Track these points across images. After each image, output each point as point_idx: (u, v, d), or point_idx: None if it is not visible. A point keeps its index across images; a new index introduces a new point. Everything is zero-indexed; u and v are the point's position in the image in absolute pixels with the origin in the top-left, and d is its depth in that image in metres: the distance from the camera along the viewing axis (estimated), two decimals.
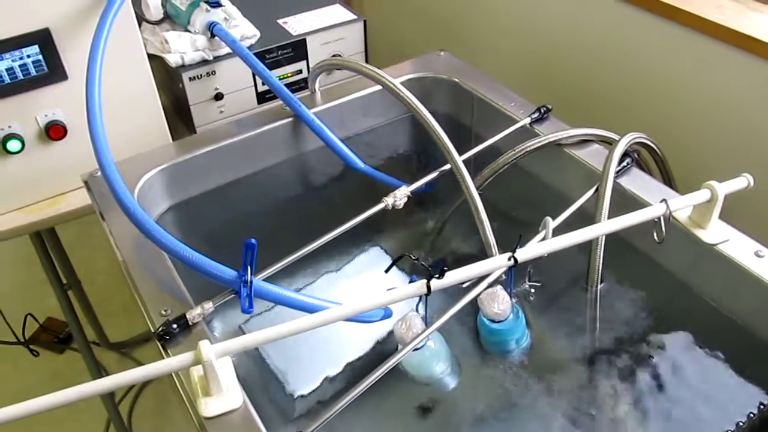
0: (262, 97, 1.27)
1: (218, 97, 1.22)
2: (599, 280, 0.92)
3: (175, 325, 0.76)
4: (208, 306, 0.78)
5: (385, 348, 0.97)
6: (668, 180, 1.09)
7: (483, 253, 1.00)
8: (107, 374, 1.63)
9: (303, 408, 0.93)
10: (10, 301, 1.88)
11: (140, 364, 1.74)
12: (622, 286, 0.93)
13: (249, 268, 0.76)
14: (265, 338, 0.68)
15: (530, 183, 1.07)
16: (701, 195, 0.85)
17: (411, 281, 0.75)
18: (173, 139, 1.21)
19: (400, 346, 0.83)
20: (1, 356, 1.77)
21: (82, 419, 1.65)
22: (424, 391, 0.89)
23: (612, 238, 0.89)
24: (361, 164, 1.12)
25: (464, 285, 0.93)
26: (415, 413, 0.90)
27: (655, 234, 0.84)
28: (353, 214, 1.20)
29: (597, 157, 1.00)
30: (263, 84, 1.25)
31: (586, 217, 0.92)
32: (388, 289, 0.74)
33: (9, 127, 1.05)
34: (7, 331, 1.71)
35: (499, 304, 0.80)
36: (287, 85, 1.17)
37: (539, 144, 1.01)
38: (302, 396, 0.95)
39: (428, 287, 0.72)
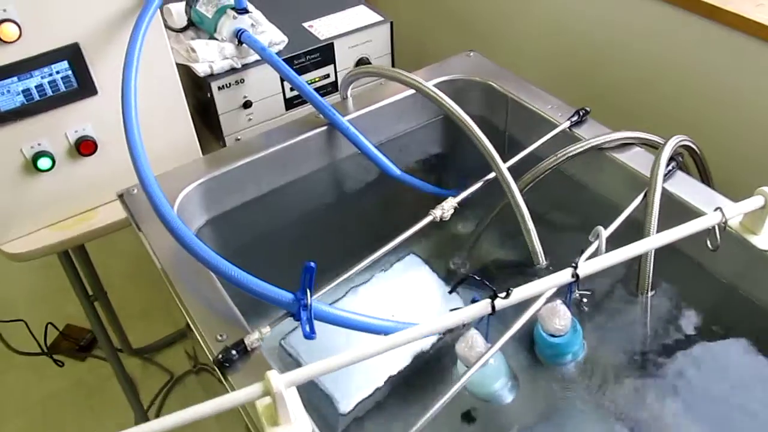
0: (290, 103, 1.25)
1: (247, 105, 1.20)
2: (650, 288, 0.91)
3: (234, 352, 0.75)
4: (266, 330, 0.77)
5: (420, 358, 0.96)
6: (707, 181, 1.08)
7: (524, 261, 1.00)
8: (134, 381, 1.64)
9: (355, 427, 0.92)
10: (28, 308, 1.86)
11: (164, 369, 1.74)
12: (672, 293, 0.93)
13: (308, 291, 0.75)
14: (336, 365, 0.67)
15: (570, 187, 1.06)
16: (755, 201, 0.84)
17: (473, 301, 0.74)
18: (202, 150, 1.19)
19: (459, 365, 0.82)
20: (24, 365, 1.76)
21: (109, 429, 1.65)
22: (468, 399, 0.88)
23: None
24: (397, 171, 1.11)
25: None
26: (459, 420, 0.89)
27: (708, 242, 0.83)
28: (390, 222, 1.20)
29: (639, 160, 0.99)
30: (291, 90, 1.23)
31: (631, 222, 0.91)
32: (451, 310, 0.73)
33: (39, 144, 1.03)
34: (28, 340, 1.70)
35: (560, 319, 0.79)
36: (315, 90, 1.15)
37: (582, 149, 0.99)
38: (350, 413, 0.94)
39: (493, 307, 0.72)
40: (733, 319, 0.90)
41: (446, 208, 0.92)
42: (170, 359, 1.81)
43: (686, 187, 0.94)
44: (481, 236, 1.10)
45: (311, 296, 0.75)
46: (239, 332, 0.78)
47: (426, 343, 0.97)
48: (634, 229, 0.91)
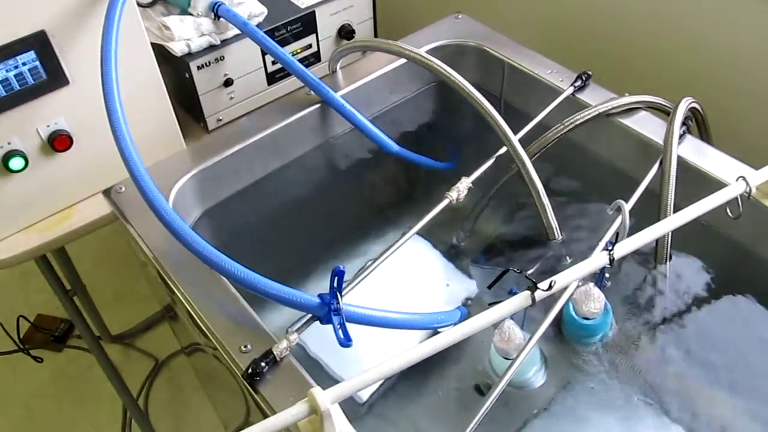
0: (272, 78, 1.18)
1: (228, 83, 1.12)
2: (669, 257, 0.90)
3: (263, 364, 0.71)
4: (294, 338, 0.73)
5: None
6: (708, 142, 1.07)
7: (536, 236, 0.97)
8: (117, 369, 1.58)
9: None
10: None
11: (146, 354, 1.69)
12: (691, 262, 0.92)
13: (338, 294, 0.71)
14: (384, 372, 0.64)
15: (577, 156, 1.04)
16: None
17: (511, 293, 0.72)
18: (183, 134, 1.11)
19: (494, 355, 0.80)
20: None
21: (98, 420, 1.60)
22: (481, 373, 0.87)
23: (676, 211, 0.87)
24: (395, 147, 1.06)
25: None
26: (473, 392, 0.88)
27: (728, 210, 0.82)
28: (391, 198, 1.16)
29: (647, 124, 0.97)
30: (273, 63, 1.16)
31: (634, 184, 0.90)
32: (490, 304, 0.71)
33: (9, 144, 0.95)
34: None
35: (594, 302, 0.78)
36: (300, 62, 1.08)
37: (590, 116, 0.97)
38: (367, 401, 0.91)
39: (533, 299, 0.69)
40: (753, 284, 0.90)
41: (461, 189, 0.89)
42: (152, 343, 1.76)
43: (699, 152, 0.92)
44: (484, 210, 1.07)
45: (342, 300, 0.71)
46: (263, 341, 0.74)
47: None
48: (646, 196, 0.89)
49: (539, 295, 0.69)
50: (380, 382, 0.91)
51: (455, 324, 0.86)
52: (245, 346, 0.74)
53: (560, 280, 0.70)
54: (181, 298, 0.80)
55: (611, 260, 0.72)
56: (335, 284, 0.71)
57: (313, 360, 0.90)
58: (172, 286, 0.81)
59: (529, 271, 0.94)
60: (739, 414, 0.82)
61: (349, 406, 0.91)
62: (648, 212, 0.89)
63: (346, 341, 0.69)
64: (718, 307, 0.90)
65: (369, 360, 0.92)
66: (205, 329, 0.77)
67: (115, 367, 1.63)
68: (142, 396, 1.65)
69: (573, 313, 0.80)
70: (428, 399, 0.89)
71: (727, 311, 0.90)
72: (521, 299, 0.69)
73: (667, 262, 0.90)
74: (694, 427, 0.80)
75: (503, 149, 0.94)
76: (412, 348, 0.66)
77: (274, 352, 0.72)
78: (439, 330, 0.85)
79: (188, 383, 1.68)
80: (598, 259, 0.73)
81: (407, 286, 0.98)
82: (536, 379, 0.81)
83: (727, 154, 0.92)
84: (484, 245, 1.02)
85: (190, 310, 0.78)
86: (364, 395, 0.92)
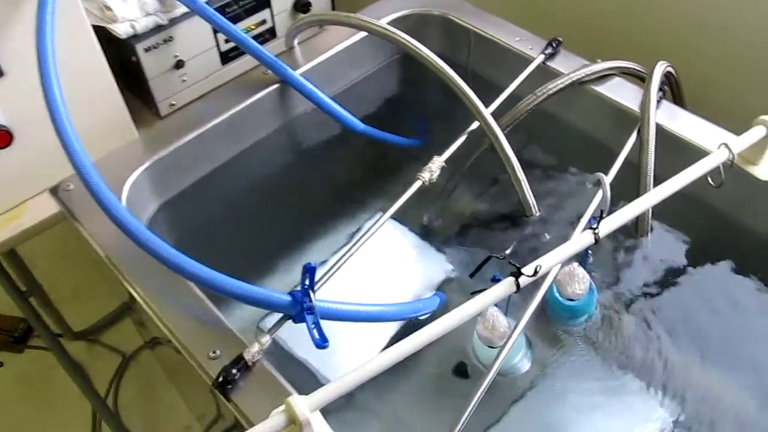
0: (226, 57, 1.11)
1: (179, 65, 1.05)
2: (650, 229, 0.87)
3: (234, 370, 0.66)
4: (266, 340, 0.68)
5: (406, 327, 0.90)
6: (682, 106, 1.04)
7: (512, 212, 0.94)
8: (81, 367, 1.52)
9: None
10: None
11: (113, 349, 1.62)
12: (673, 232, 0.89)
13: (311, 292, 0.66)
14: (367, 373, 0.60)
15: (550, 127, 1.00)
16: (757, 132, 0.80)
17: (494, 280, 0.68)
18: (135, 122, 1.05)
19: (477, 344, 0.77)
20: None
21: (66, 422, 1.54)
22: (459, 353, 0.84)
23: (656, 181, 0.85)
24: (360, 125, 1.01)
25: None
26: (453, 376, 0.85)
27: (710, 179, 0.80)
28: (358, 180, 1.11)
29: (621, 91, 0.94)
30: (227, 42, 1.09)
31: (614, 156, 0.86)
32: (472, 293, 0.67)
33: None
34: None
35: (579, 283, 0.74)
36: (254, 39, 1.02)
37: (562, 85, 0.93)
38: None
39: (518, 285, 0.65)
40: (734, 251, 0.88)
41: (434, 169, 0.84)
42: (117, 337, 1.69)
43: (676, 118, 0.90)
44: (457, 188, 1.03)
45: (315, 298, 0.66)
46: (233, 345, 0.69)
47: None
48: (624, 166, 0.86)
49: (524, 281, 0.65)
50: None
51: (435, 311, 0.84)
52: (214, 352, 0.69)
53: (545, 263, 0.66)
54: (141, 301, 0.74)
55: (597, 239, 0.68)
56: (307, 281, 0.66)
57: (290, 357, 0.85)
58: (130, 289, 0.75)
59: (508, 250, 0.90)
60: (725, 384, 0.80)
61: None
62: (627, 183, 0.86)
63: (322, 342, 0.64)
64: (701, 278, 0.88)
65: (350, 351, 0.88)
66: (168, 335, 0.71)
67: (80, 365, 1.57)
68: (111, 393, 1.59)
69: (557, 295, 0.77)
70: (409, 386, 0.85)
71: (710, 281, 0.88)
72: (505, 286, 0.65)
73: (648, 234, 0.87)
74: (680, 400, 0.78)
75: (475, 124, 0.90)
76: (397, 345, 0.61)
77: (246, 357, 0.67)
78: (420, 318, 0.82)
79: (158, 377, 1.62)
80: (582, 239, 0.69)
81: (382, 272, 0.94)
82: (522, 365, 0.78)
83: (705, 119, 0.89)
84: (459, 225, 0.98)
85: (151, 314, 0.73)
86: None
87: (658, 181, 0.83)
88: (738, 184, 0.83)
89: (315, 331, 0.66)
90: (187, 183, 0.94)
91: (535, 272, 0.65)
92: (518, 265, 0.65)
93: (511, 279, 0.65)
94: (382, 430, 0.84)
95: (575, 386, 0.80)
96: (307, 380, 0.84)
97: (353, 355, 0.88)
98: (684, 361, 0.81)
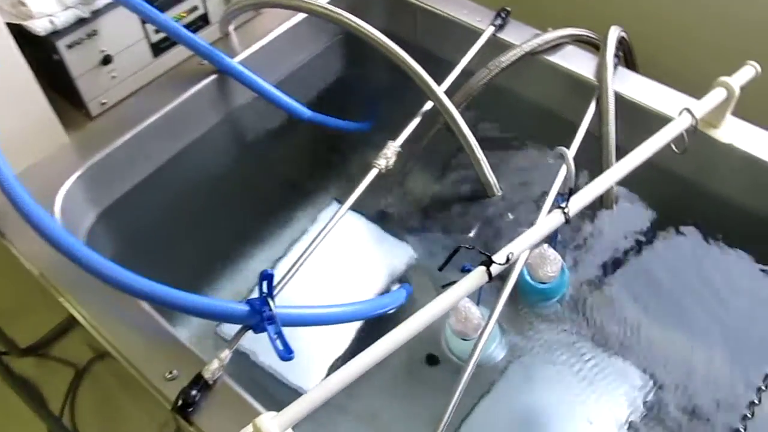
0: (157, 48, 1.03)
1: (106, 60, 0.97)
2: (615, 201, 0.85)
3: (194, 391, 0.61)
4: (226, 355, 0.63)
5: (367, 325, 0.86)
6: (635, 70, 1.01)
7: (474, 193, 0.90)
8: (32, 384, 1.43)
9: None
10: None
11: (64, 362, 1.53)
12: (637, 202, 0.87)
13: (270, 301, 0.61)
14: (340, 383, 0.56)
15: (507, 101, 0.96)
16: (718, 95, 0.78)
17: (464, 270, 0.64)
18: (64, 125, 0.97)
19: (450, 337, 0.73)
20: None
21: None
22: (431, 344, 0.81)
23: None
24: (306, 112, 0.96)
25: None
26: (424, 363, 0.82)
27: (674, 146, 0.77)
28: (309, 170, 1.06)
29: (575, 60, 0.91)
30: (157, 32, 1.02)
31: (573, 126, 0.83)
32: (443, 286, 0.63)
33: None
34: None
35: (551, 265, 0.71)
36: (186, 28, 0.95)
37: (515, 57, 0.89)
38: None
39: (489, 275, 0.62)
40: (699, 216, 0.86)
41: (389, 155, 0.80)
42: (69, 350, 1.60)
43: (634, 85, 0.87)
44: (413, 171, 0.98)
45: (274, 306, 0.62)
46: (191, 363, 0.64)
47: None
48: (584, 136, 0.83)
49: (495, 269, 0.62)
50: (325, 370, 0.83)
51: (403, 304, 0.80)
52: (170, 372, 0.63)
53: (516, 249, 0.63)
54: (84, 322, 0.68)
55: (567, 219, 0.65)
56: (265, 289, 0.61)
57: (254, 364, 0.80)
58: (70, 309, 0.69)
59: (472, 233, 0.87)
60: (693, 347, 0.79)
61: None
62: (589, 154, 0.83)
63: (286, 354, 0.60)
64: (668, 246, 0.87)
65: (318, 348, 0.83)
66: (118, 357, 0.66)
67: (31, 383, 1.48)
68: (67, 410, 1.50)
69: (529, 279, 0.74)
70: (379, 377, 0.82)
71: (677, 248, 0.87)
72: (477, 277, 0.62)
73: (614, 206, 0.85)
74: (654, 367, 0.77)
75: (428, 104, 0.85)
76: (370, 349, 0.58)
77: (205, 376, 0.62)
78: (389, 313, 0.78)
79: (116, 387, 1.55)
80: (552, 220, 0.66)
81: (343, 267, 0.89)
82: (497, 353, 0.75)
83: (662, 84, 0.87)
84: (419, 210, 0.94)
85: (96, 335, 0.67)
86: (308, 387, 0.83)
87: (620, 151, 0.81)
88: (700, 148, 0.81)
89: (278, 342, 0.61)
90: (125, 188, 0.87)
91: (507, 260, 0.61)
92: (488, 254, 0.62)
93: (482, 269, 0.62)
94: (354, 424, 0.80)
95: (551, 369, 0.78)
96: (275, 387, 0.80)
97: (321, 353, 0.84)
98: (656, 329, 0.80)
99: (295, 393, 0.80)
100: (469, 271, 0.63)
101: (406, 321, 0.59)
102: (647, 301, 0.81)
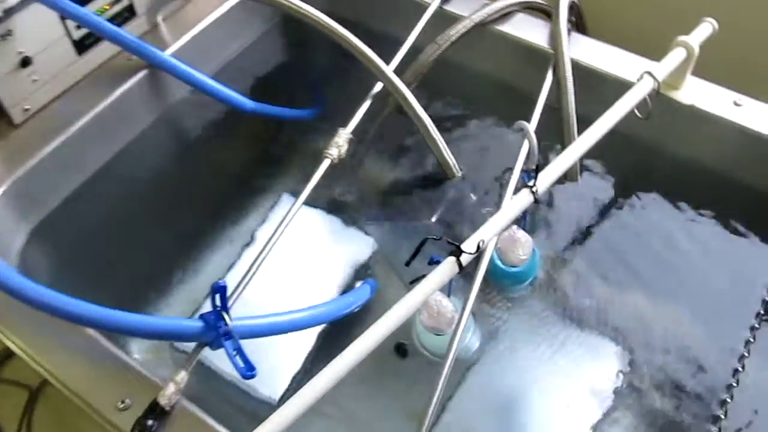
0: (81, 46, 0.95)
1: (25, 62, 0.89)
2: (580, 172, 0.82)
3: (150, 421, 0.56)
4: (182, 377, 0.58)
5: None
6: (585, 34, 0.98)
7: (433, 175, 0.86)
8: None
9: None
10: None
11: (16, 384, 1.45)
12: (602, 171, 0.84)
13: (226, 315, 0.56)
14: (312, 395, 0.51)
15: (460, 77, 0.92)
16: (677, 55, 0.75)
17: (432, 262, 0.60)
18: None
19: (423, 332, 0.69)
20: None
21: None
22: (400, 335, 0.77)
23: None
24: (249, 104, 0.90)
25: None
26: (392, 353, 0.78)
27: (637, 111, 0.74)
28: (256, 165, 1.00)
29: (527, 28, 0.88)
30: (78, 28, 0.94)
31: (527, 97, 0.80)
32: (411, 283, 0.59)
33: None
34: None
35: (522, 248, 0.67)
36: (111, 23, 0.88)
37: (465, 29, 0.84)
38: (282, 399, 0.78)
39: (460, 265, 0.58)
40: (664, 181, 0.84)
41: (341, 143, 0.75)
42: (20, 370, 1.52)
43: (588, 50, 0.84)
44: (366, 157, 0.94)
45: (230, 320, 0.56)
46: (144, 388, 0.59)
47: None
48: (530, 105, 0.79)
49: (466, 259, 0.58)
50: (292, 373, 0.79)
51: (369, 299, 0.75)
52: (123, 402, 0.58)
53: (486, 235, 0.59)
54: (20, 353, 0.62)
55: (536, 199, 0.61)
56: (218, 302, 0.56)
57: (214, 377, 0.75)
58: (4, 340, 0.63)
59: (434, 218, 0.83)
60: (668, 316, 0.77)
61: (263, 411, 0.78)
62: (548, 126, 0.79)
63: (247, 371, 0.55)
64: (635, 213, 0.85)
65: (282, 350, 0.78)
66: (62, 389, 0.60)
67: None
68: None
69: (500, 263, 0.70)
70: (350, 373, 0.77)
71: (643, 216, 0.85)
72: (447, 268, 0.58)
73: (579, 179, 0.82)
74: (631, 342, 0.74)
75: (378, 86, 0.80)
76: (341, 356, 0.54)
77: (161, 402, 0.57)
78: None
79: (73, 408, 1.47)
80: (520, 200, 0.62)
81: (301, 266, 0.84)
82: (472, 344, 0.72)
83: (617, 47, 0.84)
84: (376, 198, 0.89)
85: (36, 366, 0.61)
86: (276, 395, 0.78)
87: (580, 119, 0.78)
88: (661, 111, 0.78)
89: (238, 359, 0.56)
90: (58, 201, 0.80)
91: (478, 248, 0.57)
92: (457, 244, 0.58)
93: (452, 259, 0.58)
94: (332, 426, 0.75)
95: (527, 353, 0.75)
96: (241, 399, 0.75)
97: (287, 356, 0.79)
98: (630, 300, 0.78)
99: (263, 404, 0.76)
100: (438, 263, 0.58)
101: (376, 324, 0.55)
102: (619, 273, 0.79)
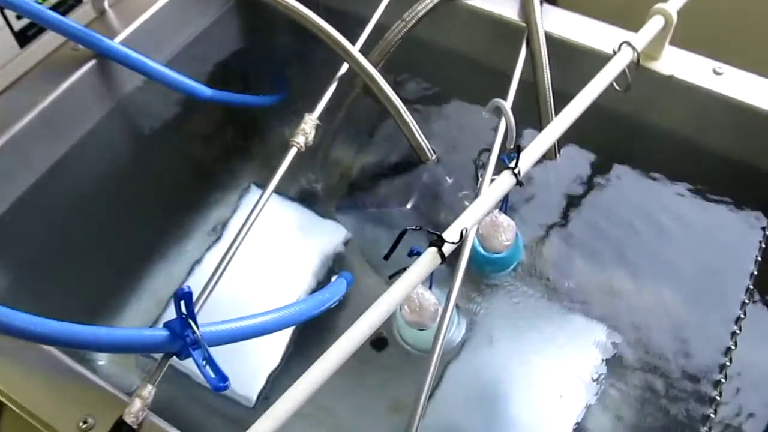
0: (23, 37, 0.89)
1: None
2: (558, 150, 0.78)
3: None
4: (148, 392, 0.54)
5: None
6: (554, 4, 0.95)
7: (402, 162, 0.83)
8: None
9: None
10: None
11: None
12: (581, 147, 0.81)
13: (193, 323, 0.52)
14: (297, 401, 0.47)
15: (429, 55, 0.88)
16: (655, 24, 0.72)
17: (412, 254, 0.56)
18: None
19: (404, 327, 0.66)
20: None
21: None
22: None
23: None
24: (207, 92, 0.85)
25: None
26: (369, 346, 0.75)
27: (615, 84, 0.71)
28: (218, 157, 0.96)
29: (494, 1, 0.83)
30: (19, 18, 0.87)
31: (501, 74, 0.76)
32: (391, 277, 0.55)
33: None
34: None
35: (504, 233, 0.64)
36: (54, 11, 0.82)
37: (432, 3, 0.80)
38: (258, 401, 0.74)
39: (442, 255, 0.54)
40: (645, 154, 0.82)
41: (308, 130, 0.70)
42: None
43: (561, 22, 0.80)
44: (335, 143, 0.89)
45: (198, 328, 0.52)
46: (109, 405, 0.54)
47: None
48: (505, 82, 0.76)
49: (448, 248, 0.54)
50: (268, 372, 0.75)
51: (344, 294, 0.72)
52: (85, 422, 0.53)
53: (469, 222, 0.55)
54: None
55: (519, 181, 0.58)
56: (184, 310, 0.51)
57: (185, 384, 0.70)
58: None
59: (409, 204, 0.79)
60: (656, 293, 0.75)
61: (240, 413, 0.74)
62: (523, 102, 0.76)
63: (219, 382, 0.51)
64: (616, 189, 0.82)
65: (261, 350, 0.74)
66: (19, 411, 0.55)
67: None
68: None
69: (481, 250, 0.67)
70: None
71: (625, 191, 0.82)
72: (429, 260, 0.54)
73: (557, 157, 0.79)
74: (619, 322, 0.72)
75: (344, 67, 0.76)
76: (319, 361, 0.49)
77: (128, 420, 0.52)
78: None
79: (33, 428, 1.41)
80: (502, 184, 0.58)
81: (272, 262, 0.80)
82: (456, 336, 0.68)
83: (590, 18, 0.81)
84: (347, 186, 0.85)
85: None
86: (252, 394, 0.74)
87: (558, 95, 0.75)
88: (640, 83, 0.75)
89: (209, 369, 0.52)
90: (4, 207, 0.74)
91: (461, 237, 0.54)
92: (438, 233, 0.54)
93: (434, 250, 0.54)
94: (304, 420, 0.72)
95: (513, 342, 0.72)
96: (217, 402, 0.71)
97: (260, 353, 0.75)
98: (616, 279, 0.76)
99: (239, 405, 0.72)
100: (418, 254, 0.55)
101: (357, 323, 0.51)
102: (604, 253, 0.76)
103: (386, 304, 0.51)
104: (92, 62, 0.79)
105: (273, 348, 0.75)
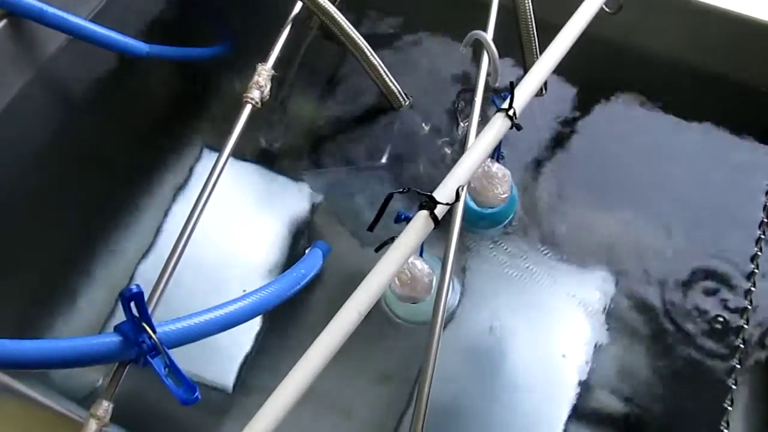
0: None
1: None
2: (545, 84, 0.70)
3: None
4: (105, 409, 0.45)
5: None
6: None
7: (372, 110, 0.74)
8: None
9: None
10: None
11: None
12: (568, 78, 0.73)
13: (148, 326, 0.43)
14: (287, 401, 0.40)
15: None
16: None
17: (400, 219, 0.48)
18: None
19: (395, 302, 0.58)
20: None
21: None
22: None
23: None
24: (143, 47, 0.74)
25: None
26: None
27: (605, 6, 0.63)
28: (164, 119, 0.85)
29: None
30: None
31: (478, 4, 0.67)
32: (377, 249, 0.47)
33: None
34: None
35: (500, 185, 0.56)
36: None
37: None
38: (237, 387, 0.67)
39: (435, 219, 0.47)
40: (637, 80, 0.74)
41: (263, 83, 0.61)
42: None
43: None
44: (294, 93, 0.80)
45: (154, 332, 0.44)
46: (63, 428, 0.46)
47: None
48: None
49: (441, 210, 0.46)
50: (243, 354, 0.67)
51: (321, 264, 0.64)
52: None
53: (462, 178, 0.47)
54: None
55: (517, 125, 0.50)
56: (135, 312, 0.43)
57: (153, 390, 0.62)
58: None
59: (384, 158, 0.71)
60: (657, 230, 0.69)
61: (218, 401, 0.67)
62: (501, 32, 0.67)
63: (186, 395, 0.42)
64: (607, 121, 0.75)
65: (236, 329, 0.66)
66: None
67: None
68: None
69: (474, 206, 0.59)
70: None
71: (617, 122, 0.75)
72: (420, 225, 0.46)
73: (544, 93, 0.71)
74: (622, 266, 0.66)
75: (297, 6, 0.66)
76: (305, 357, 0.42)
77: None
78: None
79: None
80: (496, 128, 0.51)
81: (236, 235, 0.71)
82: (452, 301, 0.61)
83: None
84: (311, 142, 0.76)
85: None
86: (229, 383, 0.67)
87: (540, 23, 0.66)
88: (627, 4, 0.67)
89: (170, 378, 0.44)
90: None
91: (457, 195, 0.46)
92: (428, 193, 0.46)
93: (425, 213, 0.46)
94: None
95: (512, 299, 0.65)
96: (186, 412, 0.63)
97: (233, 335, 0.66)
98: (614, 218, 0.69)
99: (216, 390, 0.64)
100: (407, 219, 0.47)
101: (347, 304, 0.43)
102: (605, 193, 0.69)
103: (376, 283, 0.44)
104: (3, 23, 0.68)
105: (245, 328, 0.67)
